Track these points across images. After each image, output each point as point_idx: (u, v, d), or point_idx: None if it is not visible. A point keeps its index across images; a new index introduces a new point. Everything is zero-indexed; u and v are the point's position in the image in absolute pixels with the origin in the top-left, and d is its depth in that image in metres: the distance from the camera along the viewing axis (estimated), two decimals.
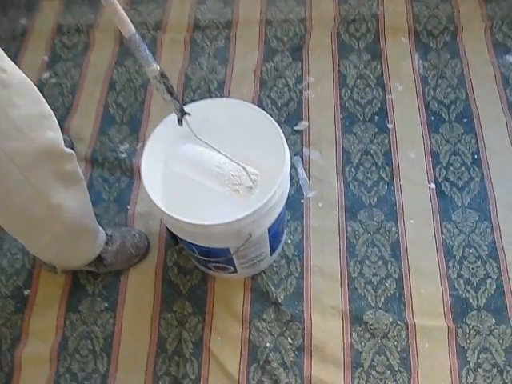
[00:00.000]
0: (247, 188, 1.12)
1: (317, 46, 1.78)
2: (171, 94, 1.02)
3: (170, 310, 1.39)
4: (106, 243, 1.41)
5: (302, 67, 1.74)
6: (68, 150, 1.12)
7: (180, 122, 1.08)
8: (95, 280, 1.45)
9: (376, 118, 1.63)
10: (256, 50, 1.79)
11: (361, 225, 1.46)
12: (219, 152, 1.10)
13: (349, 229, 1.46)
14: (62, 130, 1.75)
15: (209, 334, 1.35)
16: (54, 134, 1.06)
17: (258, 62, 1.76)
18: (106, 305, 1.41)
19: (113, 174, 1.60)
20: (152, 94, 1.73)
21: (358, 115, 1.64)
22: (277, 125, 1.14)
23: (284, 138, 1.11)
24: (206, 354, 1.33)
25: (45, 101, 1.04)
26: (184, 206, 1.24)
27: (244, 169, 1.10)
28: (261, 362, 1.31)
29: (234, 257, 1.25)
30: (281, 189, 1.10)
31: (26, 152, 0.99)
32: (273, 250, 1.36)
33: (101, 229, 1.40)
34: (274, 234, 1.29)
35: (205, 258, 1.28)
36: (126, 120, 1.70)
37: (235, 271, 1.34)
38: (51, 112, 1.05)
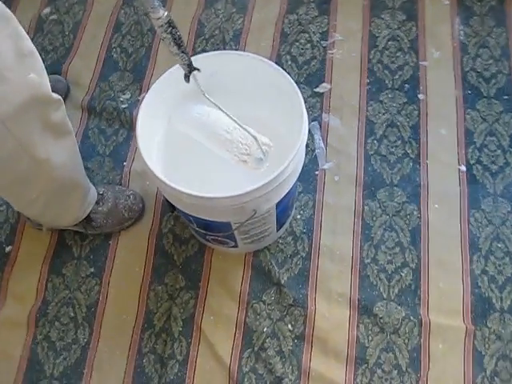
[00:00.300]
0: (257, 159, 0.97)
1: (347, 1, 1.60)
2: (179, 46, 0.86)
3: (161, 281, 1.27)
4: (97, 203, 1.28)
5: (328, 23, 1.56)
6: (55, 96, 0.98)
7: (187, 78, 0.93)
8: (82, 242, 1.32)
9: (406, 86, 1.46)
10: (279, 0, 1.61)
11: (379, 205, 1.31)
12: (229, 117, 0.95)
13: (365, 208, 1.31)
14: (59, 72, 1.62)
15: (201, 311, 1.23)
16: (37, 76, 0.91)
17: (279, 13, 1.58)
18: (92, 270, 1.29)
19: (110, 126, 1.46)
20: (161, 40, 1.55)
21: (387, 81, 1.46)
22: (295, 85, 0.98)
23: (303, 102, 0.95)
24: (197, 334, 1.21)
25: (27, 37, 0.89)
26: (184, 171, 1.11)
27: (255, 138, 0.94)
28: (256, 348, 1.19)
29: (235, 232, 1.12)
30: (294, 161, 0.96)
31: (4, 98, 0.85)
32: (280, 225, 1.22)
33: (92, 186, 1.27)
34: (283, 210, 1.15)
35: (203, 231, 1.14)
36: (130, 67, 1.54)
37: (236, 246, 1.20)
38: (34, 50, 0.90)
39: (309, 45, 1.52)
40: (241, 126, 0.94)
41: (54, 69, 1.53)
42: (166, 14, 0.81)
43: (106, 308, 1.25)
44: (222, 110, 0.95)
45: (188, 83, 0.93)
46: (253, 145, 0.96)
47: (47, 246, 1.32)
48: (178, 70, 0.96)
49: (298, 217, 1.30)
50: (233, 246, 1.21)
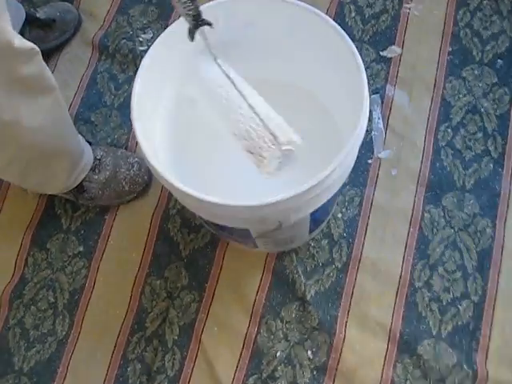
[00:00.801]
0: (275, 159, 0.70)
1: None
2: None
3: (161, 274, 1.03)
4: (93, 169, 1.04)
5: None
6: (26, 44, 0.74)
7: (191, 34, 0.68)
8: (74, 213, 1.09)
9: (499, 62, 1.13)
10: None
11: (444, 213, 1.03)
12: (241, 94, 0.69)
13: (426, 216, 1.03)
14: None
15: (204, 319, 1.00)
16: None
17: None
18: (81, 249, 1.07)
19: (124, 71, 1.19)
20: None
21: (475, 53, 1.14)
22: (353, 47, 0.71)
23: (364, 72, 0.69)
24: (194, 347, 0.98)
25: None
26: (193, 159, 0.85)
27: (273, 136, 0.68)
28: (264, 375, 0.96)
29: (255, 239, 0.87)
30: (344, 163, 0.69)
31: None
32: (313, 227, 0.96)
33: (87, 149, 1.02)
34: (320, 215, 0.89)
35: (214, 226, 0.89)
36: (157, 0, 1.25)
37: (255, 246, 0.96)
38: None
39: None
40: (256, 112, 0.67)
41: None
42: None
43: (92, 298, 1.04)
44: (233, 83, 0.68)
45: (192, 41, 0.66)
46: (280, 135, 0.69)
47: (32, 212, 1.10)
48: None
49: (339, 215, 1.04)
50: (252, 247, 0.96)
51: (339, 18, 1.17)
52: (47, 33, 1.21)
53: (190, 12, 0.64)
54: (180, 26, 0.72)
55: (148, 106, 0.74)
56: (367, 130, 1.08)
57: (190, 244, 1.04)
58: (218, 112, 0.73)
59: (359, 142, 0.69)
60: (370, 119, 1.09)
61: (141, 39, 1.21)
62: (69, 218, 1.09)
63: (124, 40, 1.21)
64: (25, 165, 0.89)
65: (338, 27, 0.71)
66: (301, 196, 0.66)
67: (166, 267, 1.04)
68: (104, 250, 1.06)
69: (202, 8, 0.67)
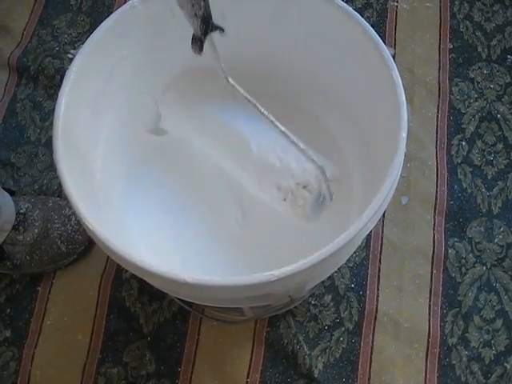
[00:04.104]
0: (317, 203, 0.50)
1: None
2: None
3: (118, 360, 0.78)
4: (16, 229, 0.78)
5: None
6: None
7: (197, 44, 0.50)
8: None
9: (510, 58, 0.95)
10: None
11: (471, 247, 0.83)
12: (275, 124, 0.50)
13: (450, 252, 0.82)
14: None
15: None
16: None
17: None
18: (8, 334, 0.80)
19: (51, 97, 0.94)
20: None
21: (480, 49, 0.96)
22: (382, 44, 0.52)
23: (400, 82, 0.55)
24: None
25: None
26: (154, 207, 0.63)
27: (321, 169, 0.49)
28: None
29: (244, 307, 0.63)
30: (380, 210, 0.47)
31: None
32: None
33: (6, 202, 0.77)
34: None
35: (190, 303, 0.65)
36: (87, 6, 1.01)
37: (242, 315, 0.72)
38: None
39: None
40: (293, 141, 0.48)
41: None
42: None
43: None
44: (258, 109, 0.49)
45: (200, 55, 0.50)
46: (313, 177, 0.49)
47: None
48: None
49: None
50: (237, 316, 0.73)
51: None
52: None
53: (200, 12, 0.46)
54: (120, 18, 0.49)
55: (80, 140, 0.50)
56: None
57: (154, 316, 0.79)
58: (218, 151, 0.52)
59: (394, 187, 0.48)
60: None
61: (70, 55, 0.96)
62: None
63: (49, 58, 0.96)
64: None
65: (364, 22, 0.51)
66: (325, 261, 0.44)
67: (125, 349, 0.78)
68: (39, 334, 0.80)
69: None
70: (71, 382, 0.77)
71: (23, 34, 0.99)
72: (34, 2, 1.02)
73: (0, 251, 0.78)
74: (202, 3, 0.46)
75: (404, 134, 0.50)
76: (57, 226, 0.80)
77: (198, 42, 0.49)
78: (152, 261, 0.44)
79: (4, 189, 0.79)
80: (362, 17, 0.94)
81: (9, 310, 0.81)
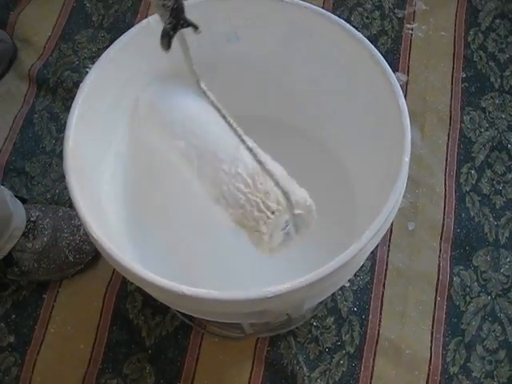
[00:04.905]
0: (278, 231, 0.49)
1: None
2: None
3: (118, 372, 0.78)
4: (25, 236, 0.80)
5: None
6: None
7: (165, 40, 0.46)
8: (1, 292, 0.84)
9: None
10: None
11: (477, 276, 0.82)
12: (242, 141, 0.48)
13: (455, 280, 0.82)
14: (3, 24, 1.11)
15: None
16: None
17: None
18: (12, 340, 0.81)
19: (68, 109, 0.95)
20: None
21: (493, 79, 0.96)
22: (389, 69, 0.52)
23: (405, 107, 0.54)
24: None
25: None
26: (158, 225, 0.64)
27: (286, 195, 0.48)
28: None
29: (245, 324, 0.64)
30: (379, 235, 0.48)
31: None
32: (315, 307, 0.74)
33: (18, 210, 0.79)
34: None
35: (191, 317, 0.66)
36: (108, 23, 1.04)
37: (242, 333, 0.72)
38: None
39: (377, 13, 1.02)
40: (258, 160, 0.47)
41: None
42: None
43: None
44: (226, 120, 0.47)
45: (167, 51, 0.45)
46: (276, 204, 0.48)
47: None
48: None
49: (347, 285, 0.81)
50: (237, 333, 0.73)
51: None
52: None
53: (169, 3, 0.42)
54: (136, 34, 0.50)
55: (90, 152, 0.52)
56: None
57: (156, 329, 0.80)
58: (187, 166, 0.51)
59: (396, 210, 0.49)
60: None
61: (88, 70, 0.98)
62: None
63: (68, 71, 0.98)
64: None
65: (367, 41, 0.52)
66: (323, 280, 0.44)
67: (125, 361, 0.79)
68: (42, 341, 0.81)
69: None
70: None
71: (45, 47, 1.02)
72: (57, 16, 1.05)
73: (8, 257, 0.79)
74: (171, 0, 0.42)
75: (407, 159, 0.50)
76: (66, 235, 0.81)
77: (166, 37, 0.45)
78: (153, 272, 0.45)
79: (17, 197, 0.81)
80: (377, 43, 0.96)
81: (14, 316, 0.82)
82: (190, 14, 0.48)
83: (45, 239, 0.80)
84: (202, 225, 0.65)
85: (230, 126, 0.48)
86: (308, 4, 0.56)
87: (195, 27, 0.45)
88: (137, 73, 0.58)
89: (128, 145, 0.62)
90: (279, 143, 0.59)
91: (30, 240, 0.80)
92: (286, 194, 0.48)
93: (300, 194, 0.49)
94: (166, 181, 0.67)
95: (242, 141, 0.48)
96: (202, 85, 0.49)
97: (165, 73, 0.58)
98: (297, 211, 0.48)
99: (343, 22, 0.56)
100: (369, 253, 0.49)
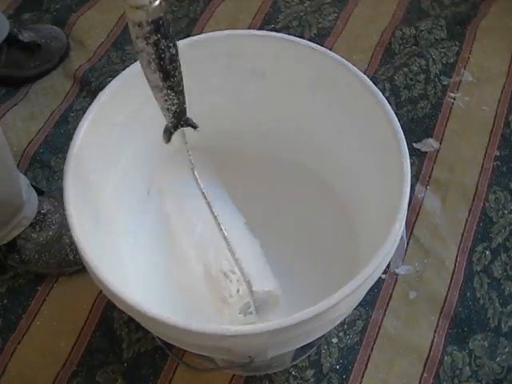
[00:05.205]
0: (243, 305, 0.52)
1: (493, 29, 1.08)
2: (166, 74, 0.45)
3: (91, 378, 0.78)
4: (33, 226, 0.82)
5: (458, 52, 1.05)
6: None
7: (168, 135, 0.52)
8: (0, 275, 0.86)
9: None
10: (393, 2, 1.10)
11: (470, 360, 0.79)
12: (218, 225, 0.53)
13: (446, 360, 0.79)
14: (63, 23, 1.10)
15: None
16: None
17: (391, 20, 1.08)
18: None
19: None
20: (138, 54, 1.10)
21: None
22: (398, 126, 0.55)
23: (408, 164, 0.52)
24: None
25: None
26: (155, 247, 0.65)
27: (248, 286, 0.52)
28: None
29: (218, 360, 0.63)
30: (357, 293, 0.47)
31: None
32: (297, 355, 0.72)
33: (31, 199, 0.81)
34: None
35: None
36: None
37: (217, 366, 0.71)
38: None
39: (422, 76, 1.01)
40: (230, 249, 0.52)
41: (57, 18, 1.09)
42: (156, 3, 0.40)
43: None
44: (209, 207, 0.53)
45: (167, 144, 0.52)
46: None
47: None
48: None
49: (334, 340, 0.79)
50: (213, 366, 0.72)
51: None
52: (28, 58, 1.02)
53: (173, 108, 0.47)
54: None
55: (99, 157, 0.53)
56: None
57: (136, 345, 0.80)
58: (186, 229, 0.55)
59: (385, 264, 0.48)
60: None
61: None
62: None
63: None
64: None
65: (384, 100, 0.52)
66: (281, 332, 0.43)
67: (100, 369, 0.79)
68: (26, 331, 0.82)
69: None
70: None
71: (96, 51, 1.06)
72: (114, 25, 1.09)
73: (12, 243, 0.81)
74: (176, 101, 0.47)
75: (395, 238, 0.49)
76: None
77: (167, 133, 0.51)
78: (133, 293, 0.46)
79: (35, 188, 0.83)
80: (416, 105, 0.96)
81: (6, 301, 0.84)
82: (218, 47, 0.52)
83: (50, 233, 0.82)
84: (197, 257, 0.65)
85: (212, 213, 0.56)
86: (332, 53, 0.57)
87: (194, 127, 0.51)
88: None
89: (139, 160, 0.63)
90: (281, 179, 0.60)
91: (36, 231, 0.82)
92: (247, 283, 0.56)
93: (268, 283, 0.53)
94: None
95: (220, 229, 0.56)
96: (195, 172, 0.57)
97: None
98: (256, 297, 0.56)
99: (362, 74, 0.56)
100: (342, 312, 0.48)
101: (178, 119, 0.49)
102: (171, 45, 0.43)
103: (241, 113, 0.66)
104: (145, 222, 0.71)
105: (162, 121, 0.59)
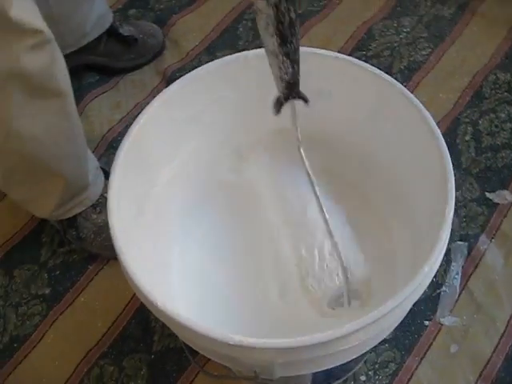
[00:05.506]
0: (334, 297, 0.57)
1: None
2: (284, 39, 0.44)
3: (118, 361, 0.81)
4: (94, 207, 0.86)
5: None
6: (35, 23, 0.58)
7: (278, 106, 0.51)
8: (59, 247, 0.91)
9: None
10: (492, 46, 1.06)
11: None
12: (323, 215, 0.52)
13: None
14: (163, 23, 1.13)
15: None
16: None
17: (487, 63, 1.03)
18: (47, 292, 0.87)
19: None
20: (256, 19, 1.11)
21: None
22: (447, 155, 0.50)
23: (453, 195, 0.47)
24: None
25: None
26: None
27: (345, 271, 0.56)
28: None
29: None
30: (381, 324, 0.46)
31: None
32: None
33: (98, 181, 0.85)
34: (329, 372, 0.63)
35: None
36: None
37: (235, 376, 0.71)
38: None
39: (509, 125, 0.97)
40: (330, 232, 0.51)
41: (159, 17, 1.15)
42: None
43: (30, 356, 0.82)
44: (313, 187, 0.52)
45: (276, 115, 0.50)
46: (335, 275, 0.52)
47: (17, 229, 0.93)
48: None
49: (362, 378, 0.77)
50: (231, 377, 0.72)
51: (449, 137, 0.95)
52: (124, 51, 1.08)
53: (286, 77, 0.47)
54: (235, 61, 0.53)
55: (151, 157, 0.56)
56: (437, 282, 0.82)
57: (167, 339, 0.81)
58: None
59: (414, 299, 0.46)
60: (447, 271, 0.83)
61: None
62: (50, 251, 0.90)
63: None
64: (7, 171, 0.73)
65: (435, 127, 0.51)
66: (287, 352, 0.43)
67: (128, 355, 0.81)
68: (70, 304, 0.86)
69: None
70: (71, 358, 0.81)
71: (188, 53, 1.10)
72: (210, 31, 1.12)
73: (73, 220, 0.85)
74: (290, 69, 0.46)
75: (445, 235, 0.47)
76: None
77: (278, 104, 0.50)
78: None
79: (104, 171, 0.87)
80: (497, 154, 0.92)
81: (58, 272, 0.89)
82: None
83: None
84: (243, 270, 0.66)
85: (315, 194, 0.54)
86: (393, 80, 0.56)
87: (305, 100, 0.50)
88: (225, 97, 0.61)
89: (195, 163, 0.65)
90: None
91: (96, 212, 0.85)
92: (344, 269, 0.55)
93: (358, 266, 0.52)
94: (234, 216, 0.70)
95: (322, 211, 0.54)
96: (302, 150, 0.54)
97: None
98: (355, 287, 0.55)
99: (423, 108, 0.54)
100: (366, 337, 0.46)
101: (290, 90, 0.48)
102: (292, 8, 0.42)
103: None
104: (200, 223, 0.72)
105: (224, 125, 0.60)
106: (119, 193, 0.53)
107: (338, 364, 0.51)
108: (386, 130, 0.59)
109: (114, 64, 1.08)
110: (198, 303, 0.64)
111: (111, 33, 1.05)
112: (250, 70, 0.60)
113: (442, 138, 0.53)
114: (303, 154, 0.55)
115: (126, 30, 1.07)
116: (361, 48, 1.08)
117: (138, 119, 0.57)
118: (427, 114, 0.55)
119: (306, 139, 0.54)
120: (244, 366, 0.51)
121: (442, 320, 0.80)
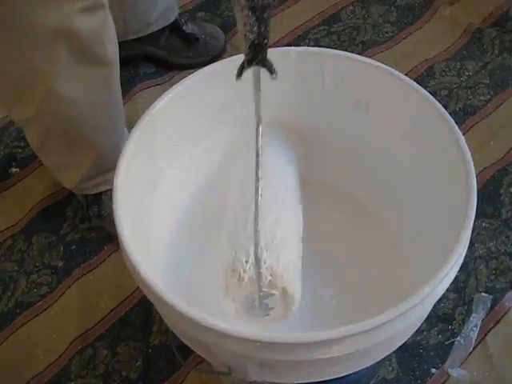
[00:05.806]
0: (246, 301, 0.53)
1: None
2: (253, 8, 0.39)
3: (113, 346, 0.80)
4: None
5: None
6: None
7: (239, 71, 0.44)
8: (80, 224, 0.91)
9: None
10: None
11: None
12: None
13: None
14: (230, 27, 1.14)
15: None
16: None
17: None
18: (60, 264, 0.88)
19: None
20: None
21: None
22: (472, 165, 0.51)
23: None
24: None
25: None
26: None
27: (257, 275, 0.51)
28: None
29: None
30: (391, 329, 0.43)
31: None
32: None
33: None
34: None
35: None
36: None
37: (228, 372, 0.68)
38: None
39: None
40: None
41: (225, 23, 1.17)
42: None
43: (30, 323, 0.83)
44: (256, 167, 0.48)
45: (237, 79, 0.44)
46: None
47: (45, 195, 0.94)
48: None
49: None
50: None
51: (493, 185, 0.91)
52: (184, 48, 1.09)
53: (251, 36, 0.41)
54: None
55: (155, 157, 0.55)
56: (453, 330, 0.78)
57: (165, 334, 0.80)
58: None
59: (409, 320, 0.43)
60: (465, 321, 0.79)
61: None
62: (71, 226, 0.91)
63: None
64: (44, 131, 0.74)
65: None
66: (257, 347, 0.41)
67: (124, 342, 0.80)
68: (77, 280, 0.86)
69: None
70: (68, 334, 0.81)
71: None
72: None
73: (98, 197, 0.86)
74: (255, 28, 0.40)
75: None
76: None
77: (240, 67, 0.44)
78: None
79: None
80: None
81: (74, 247, 0.89)
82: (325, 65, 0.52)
83: None
84: None
85: (256, 173, 0.48)
86: (432, 99, 0.54)
87: (271, 71, 0.44)
88: (232, 99, 0.60)
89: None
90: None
91: None
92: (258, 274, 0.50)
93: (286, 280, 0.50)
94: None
95: (257, 193, 0.48)
96: (260, 129, 0.48)
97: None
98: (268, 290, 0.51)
99: (460, 134, 0.52)
100: (337, 355, 0.43)
101: (255, 53, 0.42)
102: None
103: (337, 140, 0.64)
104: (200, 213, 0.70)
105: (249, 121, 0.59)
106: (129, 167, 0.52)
107: (320, 380, 0.48)
108: (418, 150, 0.57)
109: (173, 59, 1.10)
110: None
111: (174, 28, 1.07)
112: None
113: (473, 168, 0.50)
114: (260, 132, 0.48)
115: (189, 28, 1.09)
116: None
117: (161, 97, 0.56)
118: (464, 142, 0.52)
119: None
120: (216, 359, 0.48)
121: (450, 371, 0.75)
